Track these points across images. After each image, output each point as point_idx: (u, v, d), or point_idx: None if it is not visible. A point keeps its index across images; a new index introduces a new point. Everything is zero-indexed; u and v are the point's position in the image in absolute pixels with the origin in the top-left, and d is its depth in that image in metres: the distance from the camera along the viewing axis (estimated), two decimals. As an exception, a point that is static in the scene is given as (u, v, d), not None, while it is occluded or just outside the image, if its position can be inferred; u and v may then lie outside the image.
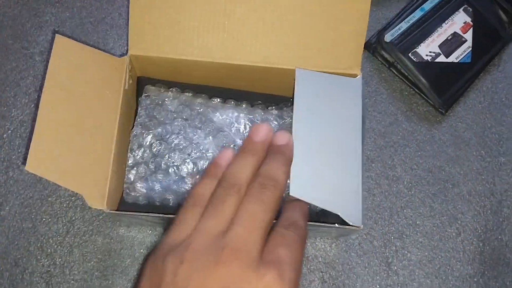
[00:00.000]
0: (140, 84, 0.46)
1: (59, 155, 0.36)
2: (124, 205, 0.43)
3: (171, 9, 0.41)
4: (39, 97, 0.36)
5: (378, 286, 0.46)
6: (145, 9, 0.41)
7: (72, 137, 0.37)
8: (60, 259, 0.45)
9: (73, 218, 0.47)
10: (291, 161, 0.34)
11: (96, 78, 0.40)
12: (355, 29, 0.41)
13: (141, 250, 0.46)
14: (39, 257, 0.45)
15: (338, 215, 0.40)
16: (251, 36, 0.42)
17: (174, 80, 0.46)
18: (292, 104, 0.45)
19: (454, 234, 0.48)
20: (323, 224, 0.39)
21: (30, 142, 0.34)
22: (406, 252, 0.47)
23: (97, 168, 0.38)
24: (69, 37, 0.39)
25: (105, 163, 0.39)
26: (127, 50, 0.42)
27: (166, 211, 0.41)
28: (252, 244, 0.27)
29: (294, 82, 0.40)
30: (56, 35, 0.38)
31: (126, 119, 0.43)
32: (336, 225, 0.38)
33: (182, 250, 0.27)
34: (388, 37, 0.51)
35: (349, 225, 0.38)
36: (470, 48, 0.51)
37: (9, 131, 0.49)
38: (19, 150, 0.48)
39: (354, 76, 0.42)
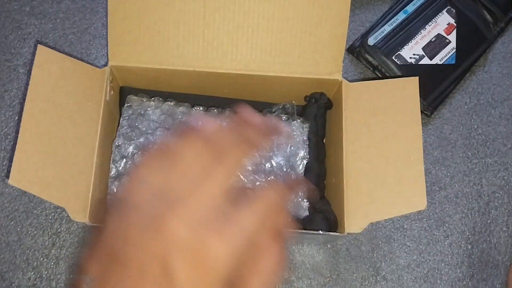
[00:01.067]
0: (123, 94, 0.46)
1: (41, 168, 0.36)
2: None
3: (150, 19, 0.41)
4: (23, 109, 0.36)
5: (366, 292, 0.46)
6: (124, 20, 0.41)
7: (55, 150, 0.37)
8: (46, 272, 0.45)
9: (59, 230, 0.46)
10: None
11: (77, 89, 0.40)
12: (335, 34, 0.41)
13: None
14: (25, 270, 0.45)
15: (325, 221, 0.40)
16: (231, 44, 0.41)
17: (156, 89, 0.46)
18: (276, 109, 0.45)
19: (442, 237, 0.48)
20: (307, 231, 0.39)
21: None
22: (394, 256, 0.47)
23: (80, 180, 0.38)
24: (52, 48, 0.39)
25: (87, 175, 0.38)
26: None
27: None
28: None
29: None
30: (38, 45, 0.38)
31: (108, 130, 0.43)
32: (320, 231, 0.38)
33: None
34: (371, 41, 0.51)
35: (333, 232, 0.38)
36: (454, 50, 0.51)
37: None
38: (4, 163, 0.48)
39: (336, 81, 0.42)
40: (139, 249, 0.20)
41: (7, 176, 0.47)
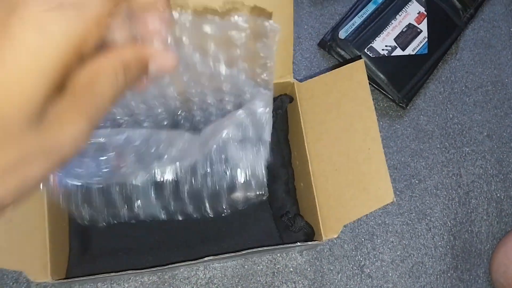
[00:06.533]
0: None
1: None
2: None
3: None
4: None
5: (352, 291, 0.45)
6: None
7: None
8: (17, 297, 0.43)
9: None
10: None
11: None
12: (282, 37, 0.39)
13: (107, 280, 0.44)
14: (-7, 297, 0.43)
15: (299, 232, 0.39)
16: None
17: None
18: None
19: (424, 230, 0.47)
20: (285, 246, 0.37)
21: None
22: (378, 253, 0.46)
23: (34, 238, 0.35)
24: None
25: (41, 232, 0.35)
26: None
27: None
28: None
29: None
30: None
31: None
32: (298, 243, 0.36)
33: None
34: (342, 34, 0.49)
35: (311, 240, 0.37)
36: (426, 39, 0.50)
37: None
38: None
39: (288, 83, 0.40)
40: None
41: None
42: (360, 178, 0.36)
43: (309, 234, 0.38)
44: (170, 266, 0.34)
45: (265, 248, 0.35)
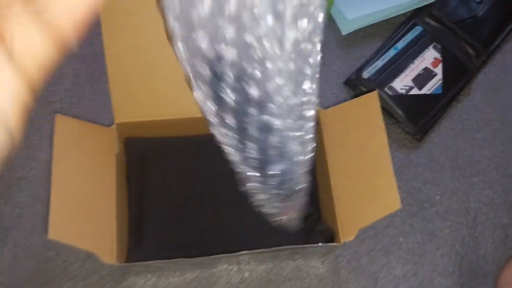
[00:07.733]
0: (128, 144, 0.50)
1: (73, 221, 0.41)
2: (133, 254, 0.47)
3: (147, 79, 0.45)
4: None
5: (366, 299, 0.51)
6: (124, 82, 0.45)
7: (81, 204, 0.42)
8: (82, 282, 0.51)
9: (92, 246, 0.52)
10: None
11: (93, 147, 0.45)
12: None
13: (157, 272, 0.52)
14: (62, 281, 0.51)
15: (321, 234, 0.46)
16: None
17: (157, 136, 0.50)
18: None
19: (433, 249, 0.53)
20: (309, 245, 0.44)
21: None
22: (391, 267, 0.52)
23: (105, 228, 0.43)
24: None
25: (111, 223, 0.43)
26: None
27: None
28: None
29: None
30: (56, 115, 0.42)
31: (121, 178, 0.48)
32: (320, 244, 0.43)
33: None
34: (365, 74, 0.57)
35: (331, 242, 0.44)
36: (441, 81, 0.57)
37: (35, 170, 0.56)
38: (45, 186, 0.55)
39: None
40: None
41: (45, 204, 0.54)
42: (372, 189, 0.43)
43: (330, 238, 0.45)
44: (213, 256, 0.41)
45: (291, 246, 0.42)
